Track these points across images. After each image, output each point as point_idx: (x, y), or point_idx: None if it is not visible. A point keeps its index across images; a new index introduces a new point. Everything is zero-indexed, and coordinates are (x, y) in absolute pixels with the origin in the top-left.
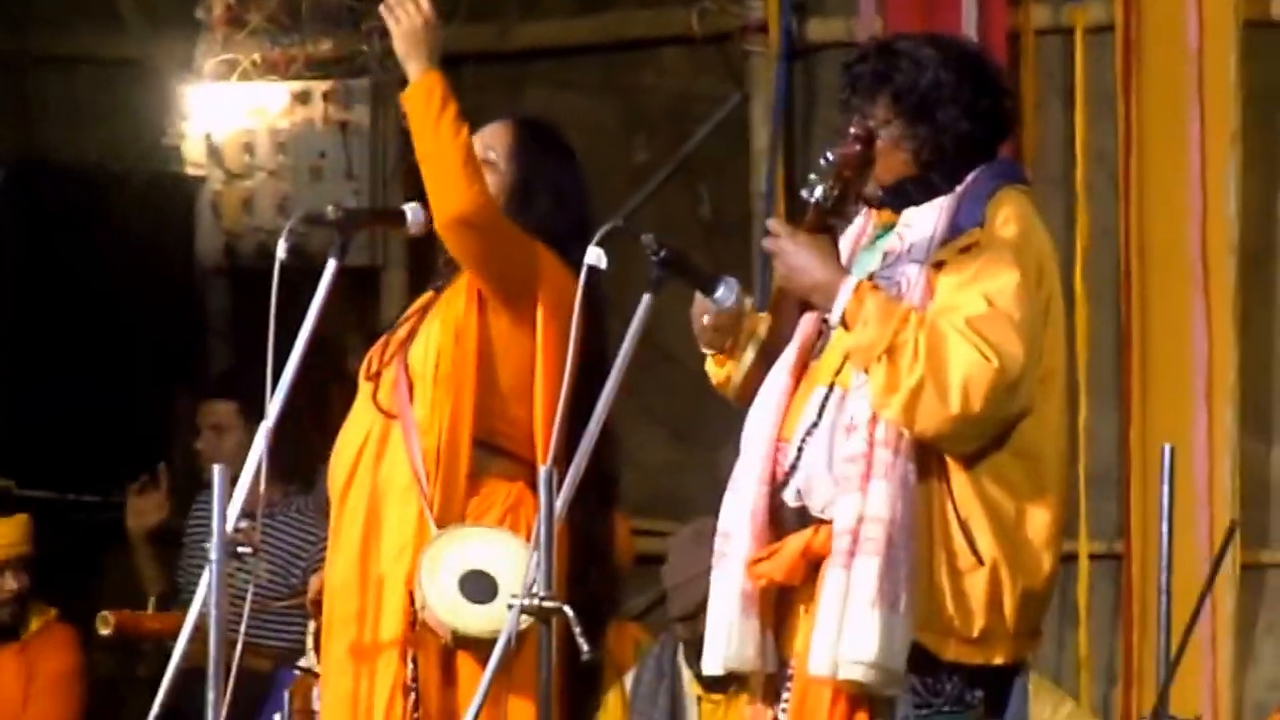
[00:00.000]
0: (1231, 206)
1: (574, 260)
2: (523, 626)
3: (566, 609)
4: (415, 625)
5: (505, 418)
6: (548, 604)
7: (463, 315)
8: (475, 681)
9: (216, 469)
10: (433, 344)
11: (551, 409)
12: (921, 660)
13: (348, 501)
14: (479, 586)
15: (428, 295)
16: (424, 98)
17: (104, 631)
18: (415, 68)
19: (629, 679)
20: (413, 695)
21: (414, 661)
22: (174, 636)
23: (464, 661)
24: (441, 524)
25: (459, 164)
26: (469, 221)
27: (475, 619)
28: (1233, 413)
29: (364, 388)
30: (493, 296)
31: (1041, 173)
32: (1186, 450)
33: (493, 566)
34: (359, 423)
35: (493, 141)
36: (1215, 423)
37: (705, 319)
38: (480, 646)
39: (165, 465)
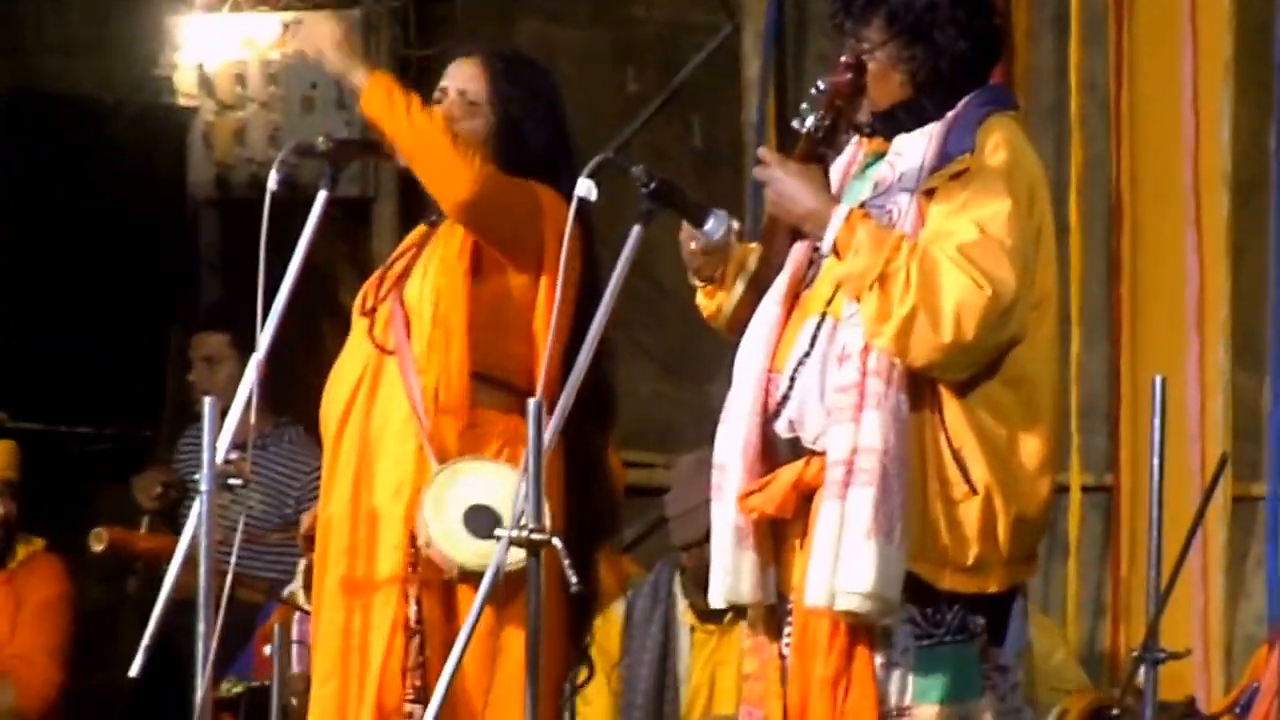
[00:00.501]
0: (1224, 136)
1: (564, 191)
2: (523, 564)
3: (556, 541)
4: (417, 565)
5: (503, 351)
6: (536, 536)
7: (460, 253)
8: (487, 620)
9: (206, 401)
10: (430, 281)
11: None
12: (918, 590)
13: (343, 436)
14: (482, 521)
15: (421, 229)
16: (384, 98)
17: (97, 548)
18: (359, 76)
19: (619, 606)
20: (418, 637)
21: (418, 603)
22: (167, 557)
23: (466, 596)
24: (440, 461)
25: (448, 147)
26: (480, 200)
27: (480, 553)
28: (1224, 345)
29: (359, 323)
30: (501, 250)
31: (1033, 102)
32: (1178, 382)
33: (494, 500)
34: (354, 358)
35: (467, 82)
36: (1207, 355)
37: (693, 245)
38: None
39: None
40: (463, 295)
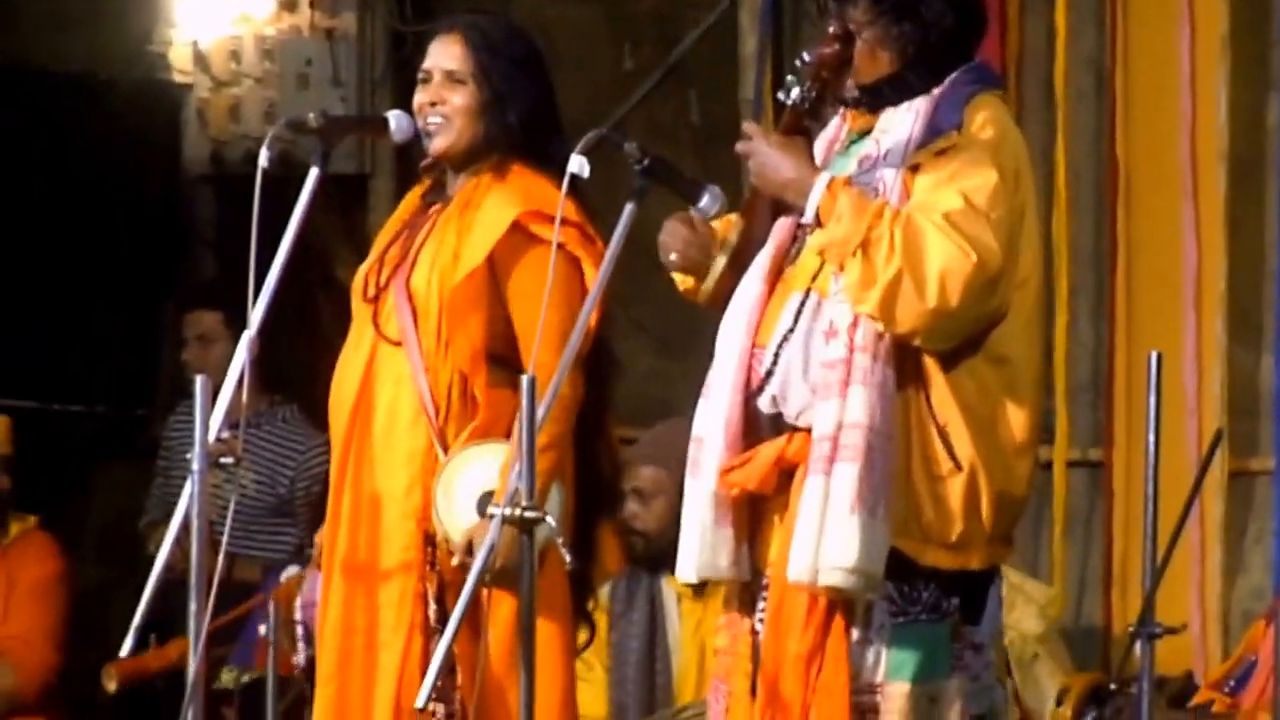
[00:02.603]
0: (1221, 113)
1: (556, 166)
2: (542, 543)
3: (550, 519)
4: (435, 563)
5: (510, 334)
6: (530, 514)
7: (473, 250)
8: (503, 605)
9: (198, 379)
10: (437, 273)
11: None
12: (898, 567)
13: (354, 431)
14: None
15: (414, 200)
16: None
17: (110, 687)
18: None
19: (608, 583)
20: (438, 636)
21: (438, 602)
22: (182, 663)
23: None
24: (449, 450)
25: None
26: None
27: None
28: (1221, 320)
29: (362, 310)
30: None
31: (1028, 78)
32: (1174, 358)
33: (505, 482)
34: (360, 348)
35: (450, 60)
36: (1204, 330)
37: (675, 251)
38: (507, 566)
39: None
40: (473, 286)
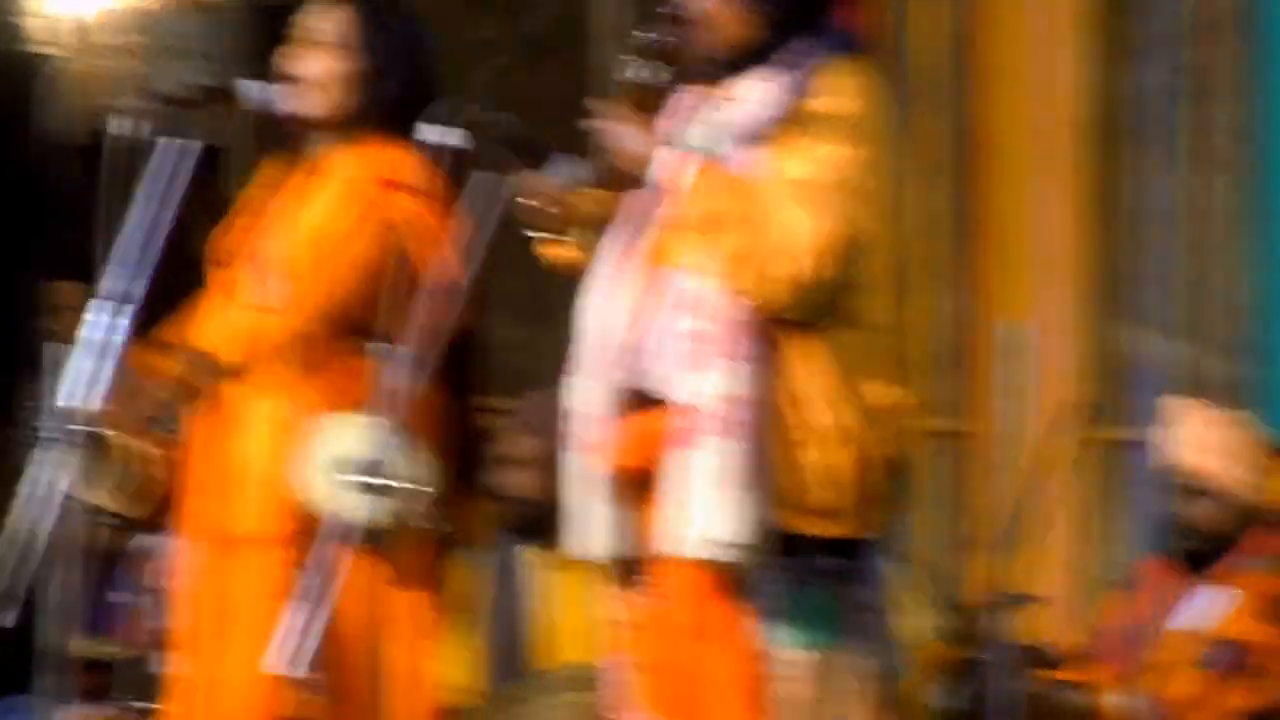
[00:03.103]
0: (1079, 83)
1: (415, 138)
2: (408, 511)
3: (419, 488)
4: (298, 530)
5: (365, 299)
6: (398, 485)
7: (321, 214)
8: (364, 572)
9: (47, 347)
10: (287, 237)
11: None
12: (774, 537)
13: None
14: (355, 473)
15: (274, 172)
16: None
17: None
18: None
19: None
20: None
21: (300, 570)
22: None
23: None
24: (310, 418)
25: None
26: None
27: (358, 508)
28: (1080, 291)
29: (217, 276)
30: None
31: (882, 49)
32: (1034, 329)
33: (368, 451)
34: (214, 313)
35: (334, 27)
36: (1062, 301)
37: (530, 199)
38: (372, 534)
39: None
40: (325, 249)
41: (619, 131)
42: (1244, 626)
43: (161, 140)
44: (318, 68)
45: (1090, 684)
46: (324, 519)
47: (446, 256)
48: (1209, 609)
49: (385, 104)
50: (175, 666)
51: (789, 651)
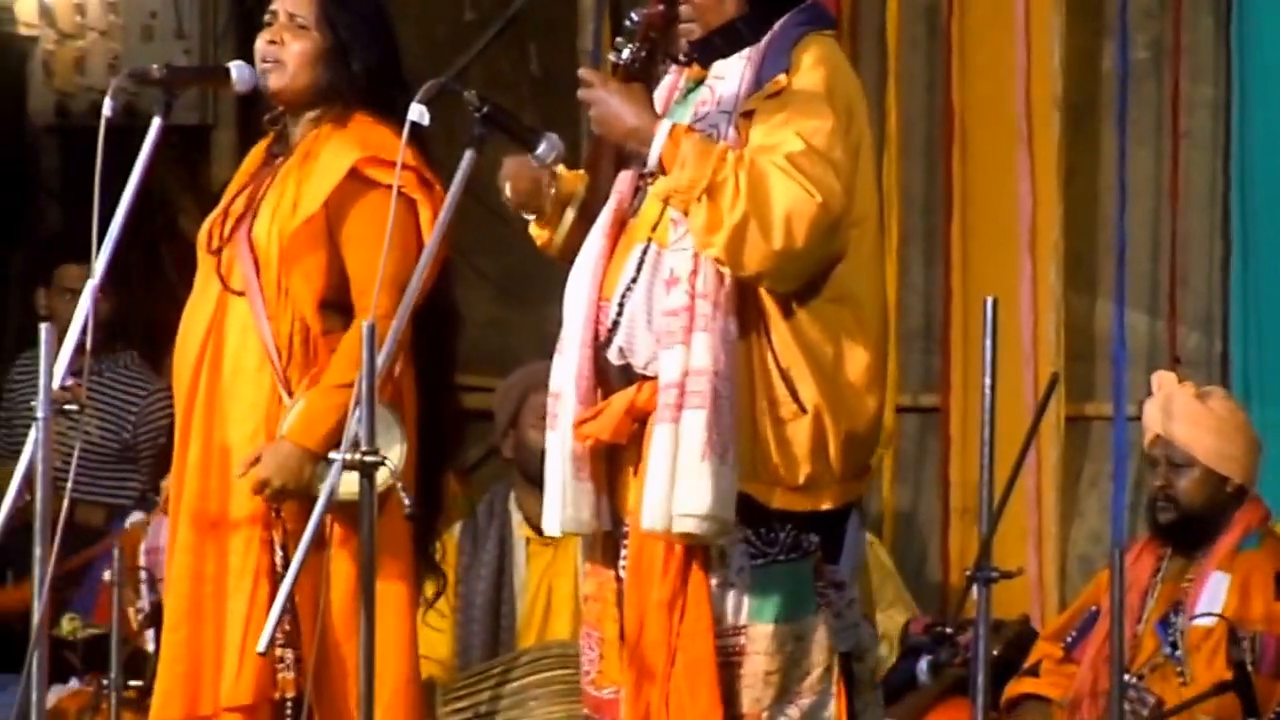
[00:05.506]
0: (1055, 59)
1: (398, 116)
2: (382, 487)
3: (389, 462)
4: (280, 510)
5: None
6: (370, 459)
7: (310, 198)
8: (345, 551)
9: (43, 327)
10: (277, 222)
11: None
12: (751, 511)
13: (199, 381)
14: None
15: (259, 157)
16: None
17: None
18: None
19: (456, 527)
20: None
21: (284, 549)
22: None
23: (333, 525)
24: (291, 398)
25: None
26: None
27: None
28: (1056, 266)
29: (207, 262)
30: None
31: (862, 24)
32: (1010, 303)
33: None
34: (206, 299)
35: (296, 5)
36: (1038, 276)
37: (516, 182)
38: (349, 508)
39: None
40: (314, 235)
41: (609, 104)
42: (1266, 612)
43: (154, 121)
44: (288, 48)
45: (1063, 663)
46: (305, 497)
47: (424, 232)
48: (1217, 596)
49: (353, 80)
50: (166, 644)
51: (761, 624)
